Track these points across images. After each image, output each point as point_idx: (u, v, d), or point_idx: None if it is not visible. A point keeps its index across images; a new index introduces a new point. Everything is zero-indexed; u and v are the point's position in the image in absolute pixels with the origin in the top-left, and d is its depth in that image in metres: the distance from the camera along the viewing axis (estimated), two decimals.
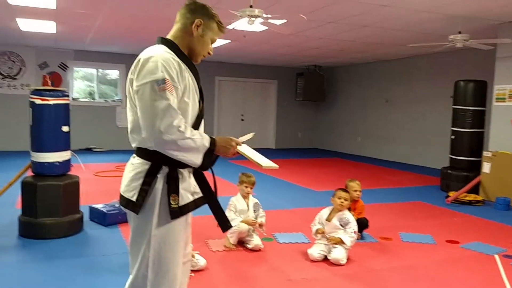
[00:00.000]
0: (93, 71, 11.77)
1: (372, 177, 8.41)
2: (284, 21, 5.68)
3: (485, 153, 6.61)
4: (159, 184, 1.79)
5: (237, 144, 1.90)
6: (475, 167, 6.90)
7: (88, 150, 11.05)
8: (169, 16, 6.59)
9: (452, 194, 6.40)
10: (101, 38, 8.98)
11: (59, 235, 4.07)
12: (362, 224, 4.25)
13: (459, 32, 6.26)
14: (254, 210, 4.02)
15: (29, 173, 4.35)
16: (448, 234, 4.57)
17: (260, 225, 3.96)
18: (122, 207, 1.89)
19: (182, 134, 1.71)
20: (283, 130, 13.57)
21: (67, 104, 4.21)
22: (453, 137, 7.28)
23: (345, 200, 3.77)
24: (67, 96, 4.22)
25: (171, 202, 1.79)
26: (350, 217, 3.79)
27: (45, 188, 4.05)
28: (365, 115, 12.03)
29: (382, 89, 11.42)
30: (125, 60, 11.32)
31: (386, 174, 8.90)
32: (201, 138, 1.78)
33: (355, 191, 4.32)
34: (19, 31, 8.16)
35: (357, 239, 3.96)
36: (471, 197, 6.25)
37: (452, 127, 7.30)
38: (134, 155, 1.89)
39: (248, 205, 4.00)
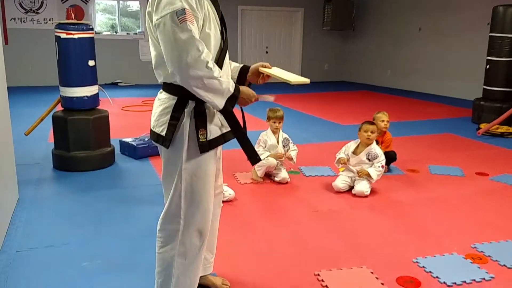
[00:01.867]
0: (114, 3, 11.55)
1: (401, 109, 8.24)
2: None
3: None
4: (187, 118, 1.79)
5: (256, 99, 1.86)
6: (510, 98, 6.66)
7: (114, 85, 11.12)
8: None
9: (484, 126, 6.24)
10: None
11: (92, 168, 4.21)
12: (390, 157, 4.22)
13: None
14: (284, 145, 4.02)
15: (59, 107, 4.42)
16: (478, 166, 4.50)
17: (289, 158, 3.98)
18: (153, 142, 1.91)
19: (210, 71, 1.66)
20: (309, 62, 13.23)
21: (92, 38, 4.17)
22: (487, 66, 6.97)
23: (372, 133, 3.71)
24: (92, 29, 4.17)
25: (200, 136, 1.79)
26: (378, 151, 3.75)
27: (75, 122, 4.13)
28: (396, 45, 11.57)
29: (415, 17, 10.86)
30: None
31: (416, 106, 8.70)
32: (227, 82, 1.73)
33: (382, 121, 4.25)
34: None
35: (384, 172, 3.95)
36: (503, 129, 6.09)
37: (488, 56, 6.96)
38: (161, 90, 1.88)
39: (278, 140, 4.00)
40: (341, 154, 3.83)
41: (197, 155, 1.81)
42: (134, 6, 11.81)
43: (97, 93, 4.32)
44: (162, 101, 1.84)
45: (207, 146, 1.82)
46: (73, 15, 4.12)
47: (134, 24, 11.98)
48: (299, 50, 13.19)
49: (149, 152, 4.66)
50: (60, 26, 4.01)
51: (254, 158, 1.94)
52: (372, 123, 3.83)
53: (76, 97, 4.12)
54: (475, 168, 4.44)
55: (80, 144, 4.16)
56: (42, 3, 10.47)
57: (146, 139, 4.77)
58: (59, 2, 10.53)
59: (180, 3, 1.63)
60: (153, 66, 1.84)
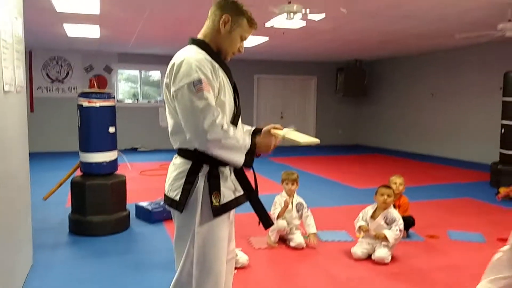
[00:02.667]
0: (136, 73, 12.08)
1: (417, 173, 8.18)
2: (323, 15, 5.61)
3: None
4: (201, 182, 1.82)
5: (277, 140, 1.90)
6: None
7: (134, 150, 11.35)
8: (205, 18, 6.65)
9: (503, 190, 6.12)
10: (143, 41, 9.19)
11: (107, 232, 4.21)
12: (408, 222, 4.14)
13: (509, 21, 5.97)
14: (298, 210, 3.99)
15: (78, 173, 4.52)
16: (499, 232, 4.37)
17: (313, 244, 3.90)
18: (167, 206, 1.93)
19: (226, 133, 1.73)
20: (323, 127, 13.41)
21: (113, 106, 4.33)
22: (503, 130, 6.96)
23: (388, 196, 3.68)
24: (113, 98, 4.35)
25: (213, 200, 1.82)
26: (396, 215, 3.69)
27: (93, 187, 4.19)
28: (410, 110, 11.70)
29: (427, 83, 11.07)
30: (167, 61, 11.20)
31: (432, 170, 8.63)
32: (243, 138, 1.80)
33: (395, 183, 4.22)
34: (66, 36, 8.48)
35: (403, 237, 3.87)
36: None
37: (502, 120, 6.98)
38: (176, 155, 1.93)
39: (292, 204, 3.98)
40: (360, 221, 3.78)
41: (210, 219, 1.82)
42: (156, 75, 12.33)
43: (116, 159, 4.42)
44: (177, 165, 1.89)
45: (220, 210, 1.83)
46: (95, 84, 4.33)
47: (155, 92, 12.44)
48: (313, 116, 13.42)
49: (164, 216, 4.67)
50: (83, 94, 4.20)
51: (266, 222, 1.94)
52: (388, 186, 3.81)
53: (95, 162, 4.22)
54: (496, 234, 4.31)
55: (97, 209, 4.20)
56: (67, 73, 11.01)
57: (162, 203, 4.79)
58: (83, 72, 11.07)
59: (196, 74, 1.73)
60: (169, 133, 1.91)
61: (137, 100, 12.08)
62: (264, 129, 2.06)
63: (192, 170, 1.83)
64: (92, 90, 4.26)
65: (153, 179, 7.31)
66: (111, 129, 4.29)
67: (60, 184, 4.73)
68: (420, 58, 11.22)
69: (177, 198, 1.84)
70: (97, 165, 4.23)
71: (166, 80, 1.84)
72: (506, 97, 6.89)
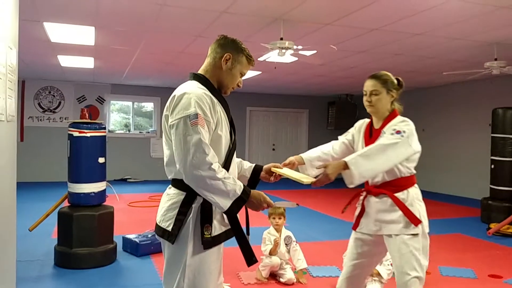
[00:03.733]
0: (129, 103, 12.13)
1: None
2: (314, 52, 5.72)
3: None
4: (194, 214, 1.83)
5: (269, 205, 1.91)
6: None
7: (123, 181, 11.26)
8: (202, 51, 6.76)
9: (494, 226, 6.12)
10: (137, 73, 9.27)
11: (93, 265, 4.12)
12: None
13: (495, 59, 6.13)
14: (286, 244, 3.95)
15: (66, 203, 4.45)
16: (491, 268, 4.34)
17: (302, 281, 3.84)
18: (157, 237, 1.92)
19: (213, 173, 1.73)
20: None
21: (104, 136, 4.32)
22: (492, 166, 7.02)
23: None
24: (104, 128, 4.35)
25: (205, 232, 1.82)
26: None
27: (80, 219, 4.12)
28: None
29: (418, 118, 11.05)
30: (160, 93, 11.62)
31: None
32: (234, 184, 1.79)
33: None
34: (60, 67, 8.54)
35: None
36: None
37: (492, 156, 7.05)
38: (170, 186, 1.94)
39: (280, 238, 3.93)
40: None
41: (201, 251, 1.82)
42: (149, 106, 12.38)
43: (104, 189, 4.37)
44: (171, 196, 1.89)
45: (211, 242, 1.83)
46: (87, 115, 4.33)
47: (147, 123, 12.46)
48: (305, 148, 13.43)
49: (151, 250, 4.58)
50: (74, 125, 4.19)
51: (249, 259, 1.93)
52: None
53: (84, 193, 4.17)
54: (487, 270, 4.28)
55: (83, 241, 4.12)
56: (59, 103, 11.02)
57: (149, 236, 4.72)
58: (75, 103, 11.09)
59: (194, 108, 1.77)
60: (164, 163, 1.92)
61: (129, 130, 12.07)
62: (265, 166, 2.18)
63: (186, 201, 1.84)
64: (84, 120, 4.26)
65: (142, 211, 7.22)
66: (101, 160, 4.26)
67: (47, 215, 4.65)
68: (411, 94, 11.40)
69: (169, 228, 1.84)
70: (85, 196, 4.18)
71: (165, 112, 1.88)
72: (495, 134, 6.99)
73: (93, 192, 4.20)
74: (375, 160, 2.21)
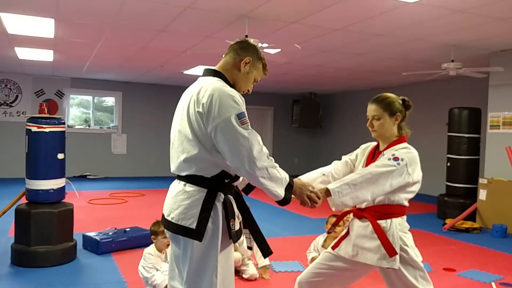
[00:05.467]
0: (89, 98, 11.83)
1: None
2: (279, 50, 5.77)
3: (481, 180, 6.62)
4: (219, 210, 1.85)
5: (312, 192, 1.98)
6: (472, 194, 6.90)
7: (83, 178, 10.98)
8: (165, 46, 6.69)
9: (449, 221, 6.38)
10: (98, 66, 9.06)
11: (52, 264, 4.01)
12: None
13: (452, 61, 6.37)
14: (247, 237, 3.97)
15: (23, 200, 4.32)
16: (445, 262, 4.53)
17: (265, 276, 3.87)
18: (172, 235, 1.90)
19: (271, 161, 1.82)
20: (279, 156, 13.48)
21: (63, 132, 4.21)
22: (448, 164, 7.30)
23: (338, 226, 3.73)
24: (63, 123, 4.24)
25: (231, 226, 1.86)
26: None
27: (39, 216, 4.01)
28: (361, 142, 11.98)
29: None
30: (122, 87, 11.40)
31: None
32: (283, 171, 1.87)
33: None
34: (17, 59, 8.23)
35: None
36: (468, 224, 6.23)
37: (448, 154, 7.33)
38: (184, 183, 1.89)
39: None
40: (312, 252, 3.80)
41: (226, 245, 1.88)
42: (110, 101, 12.11)
43: (64, 186, 4.26)
44: (190, 193, 1.86)
45: (236, 236, 1.90)
46: (46, 110, 4.20)
47: (108, 118, 12.19)
48: (270, 145, 13.55)
49: (112, 248, 4.51)
50: (32, 119, 4.07)
51: (266, 252, 1.99)
52: (337, 216, 3.86)
53: (42, 189, 4.05)
54: (442, 264, 4.45)
55: (42, 239, 4.01)
56: (16, 96, 10.62)
57: (110, 233, 4.64)
58: (33, 96, 10.72)
59: (239, 106, 1.81)
60: (183, 159, 1.87)
61: (89, 125, 11.79)
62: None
63: (209, 197, 1.84)
64: (42, 115, 4.14)
65: (102, 209, 7.08)
66: (60, 156, 4.15)
67: (4, 212, 4.50)
68: (371, 93, 11.60)
69: (193, 226, 1.81)
70: (44, 193, 4.06)
71: (196, 109, 1.83)
72: (451, 133, 7.27)
73: (52, 189, 4.09)
74: (362, 190, 2.12)
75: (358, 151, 2.58)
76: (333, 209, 2.14)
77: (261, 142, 1.83)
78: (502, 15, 4.76)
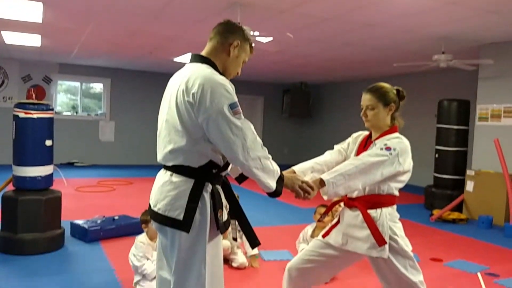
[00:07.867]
0: (77, 84, 11.67)
1: None
2: (271, 39, 5.73)
3: (468, 172, 6.69)
4: (207, 200, 1.82)
5: (305, 193, 1.99)
6: (459, 186, 6.98)
7: (70, 165, 10.88)
8: (156, 32, 6.60)
9: (436, 212, 6.45)
10: (86, 52, 8.93)
11: (40, 251, 3.98)
12: None
13: (443, 53, 6.39)
14: (238, 230, 3.97)
15: (10, 187, 4.26)
16: (432, 252, 4.58)
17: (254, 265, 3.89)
18: (159, 226, 1.88)
19: (265, 152, 1.80)
20: (269, 146, 13.16)
21: (51, 118, 4.15)
22: (437, 155, 7.36)
23: (327, 215, 3.75)
24: (52, 110, 4.17)
25: (219, 217, 1.84)
26: None
27: (26, 203, 3.96)
28: (351, 132, 12.04)
29: None
30: (110, 73, 11.26)
31: None
32: (275, 164, 1.86)
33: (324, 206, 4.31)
34: (4, 44, 8.07)
35: None
36: (455, 215, 6.30)
37: (436, 145, 7.39)
38: (171, 173, 1.85)
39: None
40: (302, 243, 3.82)
41: (214, 236, 1.85)
42: (98, 87, 11.97)
43: (52, 173, 4.21)
44: (177, 184, 1.82)
45: (223, 227, 1.88)
46: (33, 95, 4.14)
47: (96, 105, 12.05)
48: (260, 135, 13.12)
49: (100, 235, 4.49)
50: (20, 105, 4.00)
51: (254, 242, 1.97)
52: (326, 206, 3.89)
53: (30, 176, 4.00)
54: (429, 254, 4.51)
55: (29, 226, 3.97)
56: (3, 81, 10.44)
57: (99, 221, 4.61)
58: (20, 82, 10.53)
59: (231, 95, 1.77)
60: (169, 149, 1.84)
61: (76, 112, 11.65)
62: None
63: (196, 188, 1.80)
64: (30, 100, 4.07)
65: (90, 196, 7.03)
66: (48, 142, 4.10)
67: None
68: (361, 84, 11.67)
69: (180, 217, 1.78)
70: (32, 180, 4.01)
71: (186, 98, 1.77)
72: (440, 124, 7.32)
73: (40, 176, 4.04)
74: (355, 180, 2.14)
75: (349, 139, 2.59)
76: (325, 198, 2.15)
77: (254, 132, 1.80)
78: (492, 8, 4.77)
